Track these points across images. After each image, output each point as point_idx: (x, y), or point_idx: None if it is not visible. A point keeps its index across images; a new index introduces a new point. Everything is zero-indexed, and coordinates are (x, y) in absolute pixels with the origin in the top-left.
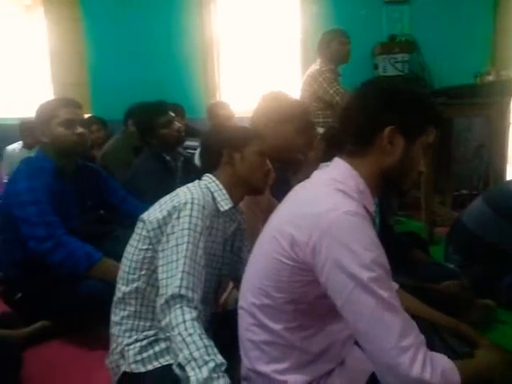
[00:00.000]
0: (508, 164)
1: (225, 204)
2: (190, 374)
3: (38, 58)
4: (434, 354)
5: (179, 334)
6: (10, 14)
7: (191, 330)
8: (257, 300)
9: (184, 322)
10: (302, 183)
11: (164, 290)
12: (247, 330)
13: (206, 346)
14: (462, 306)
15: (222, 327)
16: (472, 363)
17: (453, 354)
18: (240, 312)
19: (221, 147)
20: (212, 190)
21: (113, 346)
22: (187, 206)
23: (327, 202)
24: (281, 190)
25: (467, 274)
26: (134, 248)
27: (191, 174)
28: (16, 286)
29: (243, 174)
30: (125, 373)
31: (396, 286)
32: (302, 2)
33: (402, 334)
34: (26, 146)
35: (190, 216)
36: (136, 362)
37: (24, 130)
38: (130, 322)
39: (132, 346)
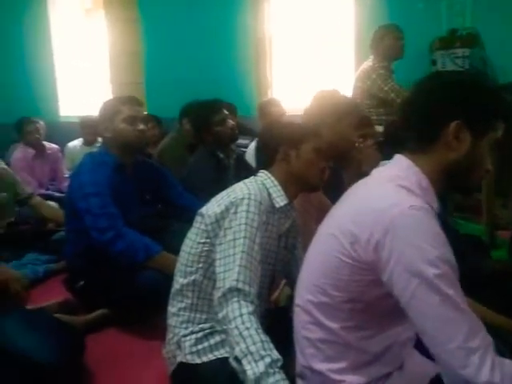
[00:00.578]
0: None
1: (280, 200)
2: (247, 367)
3: (97, 58)
4: (502, 358)
5: (236, 327)
6: (72, 16)
7: (248, 324)
8: (314, 298)
9: (241, 315)
10: (361, 180)
11: (221, 283)
12: (303, 328)
13: (262, 341)
14: None
15: (274, 324)
16: None
17: None
18: (296, 309)
19: (277, 144)
20: (267, 186)
21: (169, 336)
22: (244, 201)
23: (390, 198)
24: (334, 188)
25: None
26: (192, 241)
27: (243, 171)
28: (78, 274)
29: (299, 171)
30: (181, 363)
31: None
32: None
33: (470, 334)
34: (86, 143)
35: (247, 211)
36: (192, 353)
37: (84, 127)
38: (187, 313)
39: (188, 338)
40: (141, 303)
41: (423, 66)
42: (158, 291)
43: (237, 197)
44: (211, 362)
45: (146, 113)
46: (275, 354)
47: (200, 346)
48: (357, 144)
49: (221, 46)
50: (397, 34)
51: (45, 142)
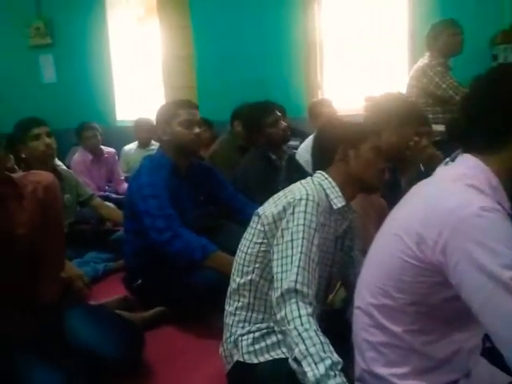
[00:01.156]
0: None
1: (338, 202)
2: (307, 369)
3: (151, 64)
4: None
5: (295, 328)
6: (127, 24)
7: (307, 326)
8: (375, 300)
9: (300, 316)
10: (424, 180)
11: (279, 283)
12: (363, 330)
13: (322, 343)
14: None
15: (329, 326)
16: None
17: None
18: (356, 312)
19: (336, 143)
20: (325, 187)
21: (226, 335)
22: (302, 202)
23: (458, 198)
24: (390, 190)
25: None
26: (249, 241)
27: (294, 172)
28: (136, 273)
29: (357, 172)
30: (238, 362)
31: None
32: None
33: None
34: (141, 146)
35: (305, 212)
36: (249, 352)
37: (138, 130)
38: (244, 313)
39: (245, 337)
40: (197, 302)
41: (483, 62)
42: (215, 290)
43: (294, 197)
44: (268, 362)
45: None
46: (335, 357)
47: (257, 346)
48: (411, 143)
49: (270, 49)
50: (454, 29)
51: (102, 146)
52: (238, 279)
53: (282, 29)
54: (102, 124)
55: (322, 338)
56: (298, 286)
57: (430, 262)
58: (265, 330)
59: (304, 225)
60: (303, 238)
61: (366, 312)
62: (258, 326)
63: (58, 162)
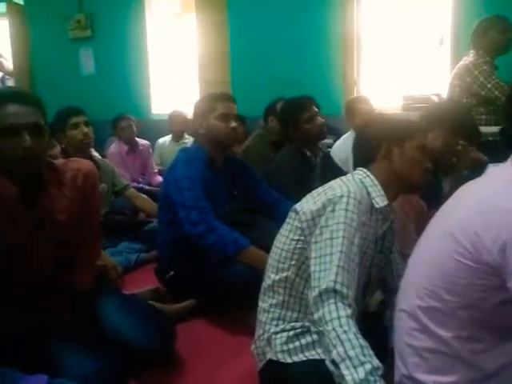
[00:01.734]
0: None
1: (380, 201)
2: (345, 372)
3: (187, 59)
4: None
5: (333, 329)
6: (163, 19)
7: (346, 328)
8: (422, 302)
9: (338, 318)
10: (475, 180)
11: (316, 282)
12: (408, 335)
13: (361, 346)
14: None
15: (366, 329)
16: None
17: None
18: (400, 315)
19: (380, 140)
20: (366, 184)
21: (259, 332)
22: (343, 199)
23: None
24: (430, 191)
25: None
26: (285, 237)
27: (329, 170)
28: (169, 264)
29: (401, 170)
30: (270, 360)
31: None
32: None
33: None
34: (175, 139)
35: (346, 210)
36: (282, 351)
37: (172, 122)
38: (278, 310)
39: (279, 335)
40: (229, 296)
41: None
42: (247, 285)
43: (335, 194)
44: (303, 362)
45: None
46: (376, 361)
47: (291, 345)
48: (459, 147)
49: (306, 45)
50: (503, 26)
51: (137, 139)
52: (272, 276)
53: (320, 25)
54: (138, 117)
55: (362, 341)
56: (338, 287)
57: (486, 263)
58: (299, 330)
59: (345, 223)
60: (343, 236)
61: (411, 315)
62: (292, 324)
63: (94, 153)
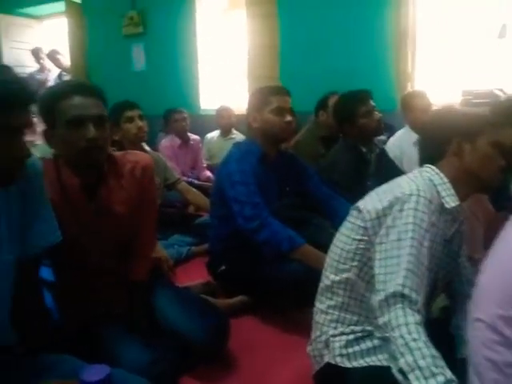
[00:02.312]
0: None
1: (451, 200)
2: (415, 383)
3: (236, 53)
4: None
5: (401, 336)
6: (213, 14)
7: (415, 335)
8: (504, 311)
9: (407, 324)
10: None
11: (382, 285)
12: (486, 347)
13: (433, 356)
14: None
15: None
16: None
17: None
18: (476, 325)
19: (449, 135)
20: (436, 182)
21: (316, 333)
22: (412, 198)
23: None
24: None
25: None
26: (346, 237)
27: (384, 167)
28: (220, 259)
29: (473, 168)
30: (328, 364)
31: None
32: None
33: None
34: (223, 134)
35: (415, 209)
36: (341, 355)
37: (219, 117)
38: (337, 312)
39: (337, 338)
40: (283, 295)
41: None
42: (302, 284)
43: (403, 192)
44: (363, 368)
45: None
46: (449, 373)
47: (350, 350)
48: None
49: (358, 39)
50: None
51: (188, 133)
52: (331, 276)
53: (373, 17)
54: (187, 112)
55: (433, 351)
56: (406, 291)
57: None
58: (359, 334)
59: (414, 223)
60: (412, 237)
61: (489, 325)
62: (352, 328)
63: (146, 147)
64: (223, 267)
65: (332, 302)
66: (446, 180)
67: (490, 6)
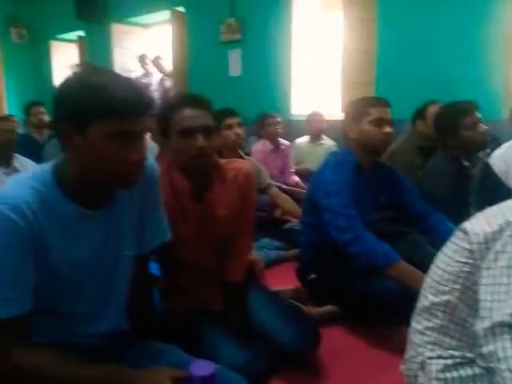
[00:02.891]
0: None
1: None
2: None
3: (331, 58)
4: None
5: (509, 369)
6: (309, 19)
7: None
8: None
9: None
10: None
11: (487, 312)
12: None
13: None
14: None
15: None
16: None
17: None
18: None
19: None
20: None
21: (411, 353)
22: None
23: None
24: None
25: None
26: (449, 258)
27: (488, 183)
28: (310, 267)
29: None
30: None
31: None
32: None
33: None
34: (312, 140)
35: None
36: (438, 379)
37: (310, 122)
38: (434, 335)
39: (434, 361)
40: (375, 310)
41: None
42: (397, 303)
43: None
44: None
45: None
46: None
47: (448, 375)
48: None
49: (462, 45)
50: None
51: (279, 138)
52: (431, 297)
53: (478, 22)
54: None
55: None
56: None
57: None
58: (459, 360)
59: None
60: None
61: None
62: (450, 352)
63: (241, 152)
64: (313, 275)
65: (430, 324)
66: None
67: None
